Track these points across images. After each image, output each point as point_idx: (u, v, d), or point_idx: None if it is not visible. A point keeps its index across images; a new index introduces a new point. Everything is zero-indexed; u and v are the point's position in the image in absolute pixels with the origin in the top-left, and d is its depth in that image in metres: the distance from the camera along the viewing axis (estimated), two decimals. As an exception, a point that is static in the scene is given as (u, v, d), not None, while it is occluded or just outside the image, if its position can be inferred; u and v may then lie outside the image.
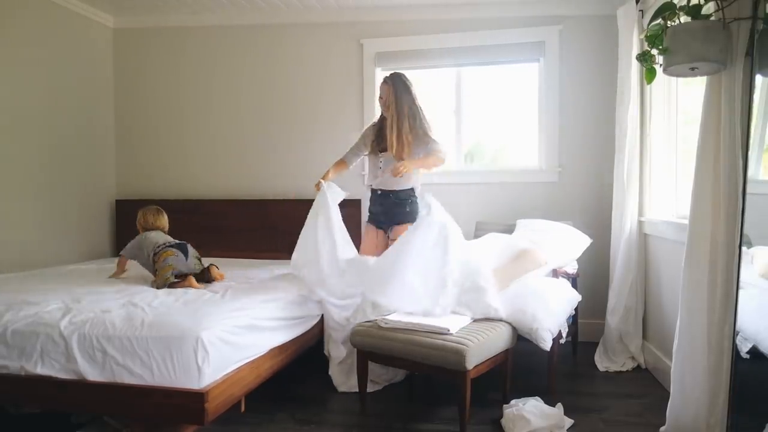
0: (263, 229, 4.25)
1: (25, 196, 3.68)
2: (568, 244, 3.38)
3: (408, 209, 3.39)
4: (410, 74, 4.32)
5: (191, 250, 3.13)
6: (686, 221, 2.18)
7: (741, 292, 1.95)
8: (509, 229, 3.60)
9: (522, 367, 3.17)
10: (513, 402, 2.65)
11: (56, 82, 3.92)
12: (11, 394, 2.24)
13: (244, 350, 2.38)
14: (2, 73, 3.51)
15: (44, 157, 3.83)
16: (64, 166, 4.00)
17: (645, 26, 2.58)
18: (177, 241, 3.11)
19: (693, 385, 2.12)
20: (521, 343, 2.88)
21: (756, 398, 2.01)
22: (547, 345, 2.76)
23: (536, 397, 2.69)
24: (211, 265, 3.18)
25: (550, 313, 2.84)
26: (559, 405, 2.64)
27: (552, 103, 3.96)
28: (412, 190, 3.42)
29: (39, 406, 2.39)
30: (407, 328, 2.63)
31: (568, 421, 2.53)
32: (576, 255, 3.39)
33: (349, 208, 4.14)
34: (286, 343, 2.75)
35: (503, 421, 2.52)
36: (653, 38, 2.13)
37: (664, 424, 2.27)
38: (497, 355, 2.67)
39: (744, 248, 1.97)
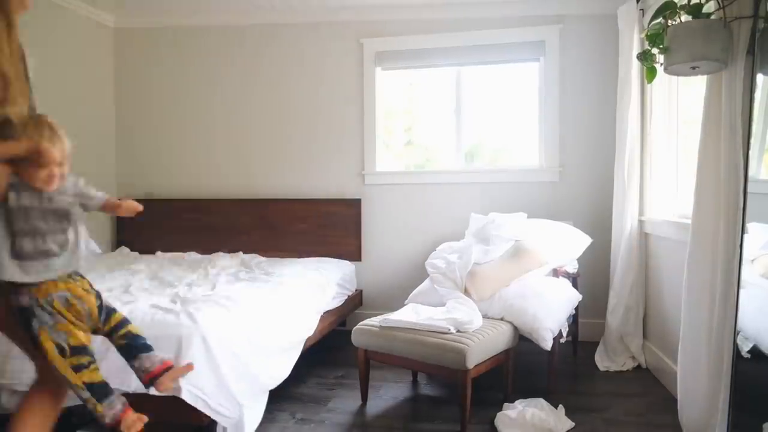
0: (263, 228, 4.25)
1: (25, 196, 3.68)
2: (569, 244, 3.37)
3: None
4: (410, 74, 4.36)
5: None
6: (687, 221, 2.19)
7: (742, 292, 1.95)
8: (510, 229, 3.58)
9: (522, 366, 3.17)
10: (516, 402, 2.64)
11: (56, 82, 3.92)
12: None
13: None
14: (2, 72, 3.51)
15: (44, 156, 3.83)
16: (64, 165, 4.00)
17: (646, 25, 2.58)
18: None
19: (694, 383, 2.12)
20: (522, 342, 2.88)
21: (756, 397, 2.01)
22: (547, 344, 2.77)
23: (538, 399, 2.67)
24: None
25: (550, 312, 2.84)
26: (561, 407, 2.63)
27: (552, 102, 3.96)
28: None
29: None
30: (408, 327, 2.64)
31: (569, 423, 2.51)
32: (576, 254, 3.39)
33: (350, 208, 4.15)
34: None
35: (501, 423, 2.51)
36: (654, 37, 2.13)
37: (664, 423, 2.27)
38: (498, 354, 2.67)
39: (745, 248, 1.97)
